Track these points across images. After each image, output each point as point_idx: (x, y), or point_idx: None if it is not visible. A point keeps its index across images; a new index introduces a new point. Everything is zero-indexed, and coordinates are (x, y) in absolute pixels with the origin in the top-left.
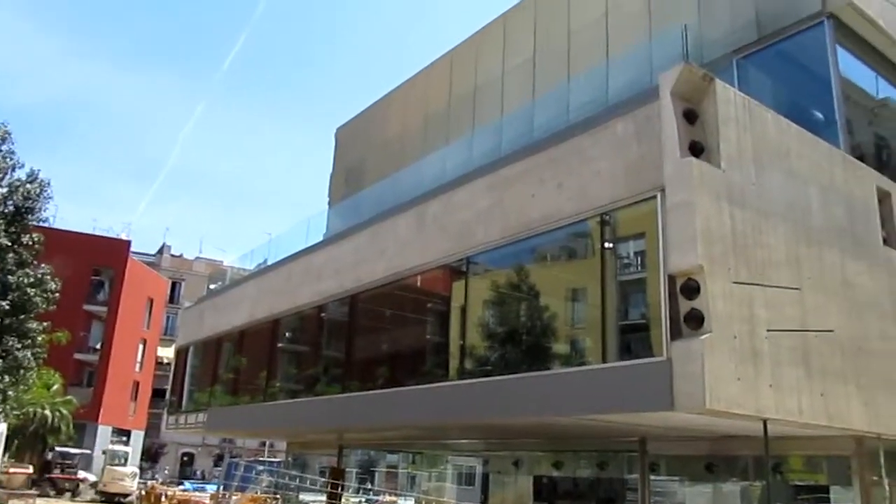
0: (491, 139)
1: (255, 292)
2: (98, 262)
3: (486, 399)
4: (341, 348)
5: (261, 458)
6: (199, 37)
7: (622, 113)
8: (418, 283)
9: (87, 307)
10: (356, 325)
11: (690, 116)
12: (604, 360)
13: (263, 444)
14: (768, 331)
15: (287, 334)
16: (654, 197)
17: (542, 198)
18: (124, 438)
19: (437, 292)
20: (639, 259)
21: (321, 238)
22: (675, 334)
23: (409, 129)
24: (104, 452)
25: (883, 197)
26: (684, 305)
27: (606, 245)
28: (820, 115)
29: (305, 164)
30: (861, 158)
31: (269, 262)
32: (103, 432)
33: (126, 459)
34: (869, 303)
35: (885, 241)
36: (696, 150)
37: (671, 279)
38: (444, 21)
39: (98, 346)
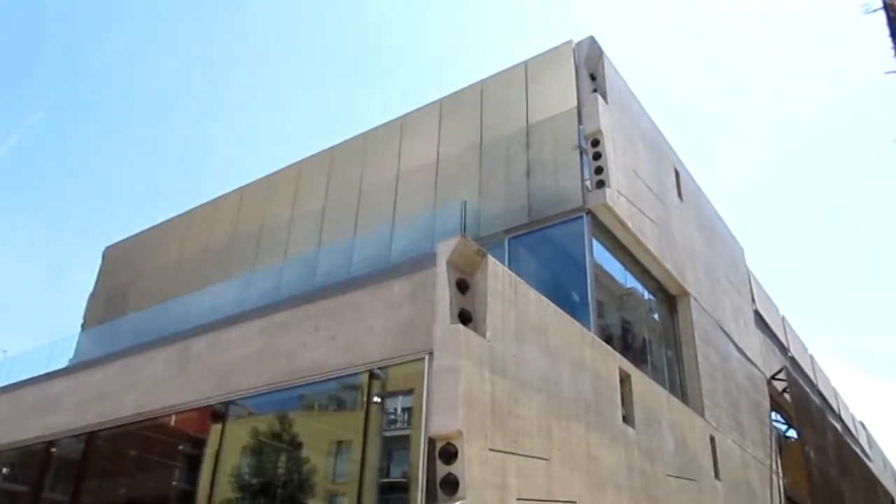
0: (271, 281)
1: None
2: None
3: None
4: (69, 491)
5: None
6: None
7: (400, 274)
8: (172, 424)
9: None
10: (91, 466)
11: (462, 286)
12: None
13: None
14: (518, 500)
15: (4, 471)
16: (423, 359)
17: (314, 347)
18: None
19: (193, 435)
20: (406, 416)
21: (66, 364)
22: (431, 499)
23: (186, 259)
24: None
25: (624, 377)
26: (441, 469)
27: (375, 399)
28: (576, 297)
29: (62, 281)
30: (609, 340)
31: None
32: None
33: None
34: (608, 476)
35: (624, 419)
36: (465, 318)
37: (431, 441)
38: (231, 157)
39: None
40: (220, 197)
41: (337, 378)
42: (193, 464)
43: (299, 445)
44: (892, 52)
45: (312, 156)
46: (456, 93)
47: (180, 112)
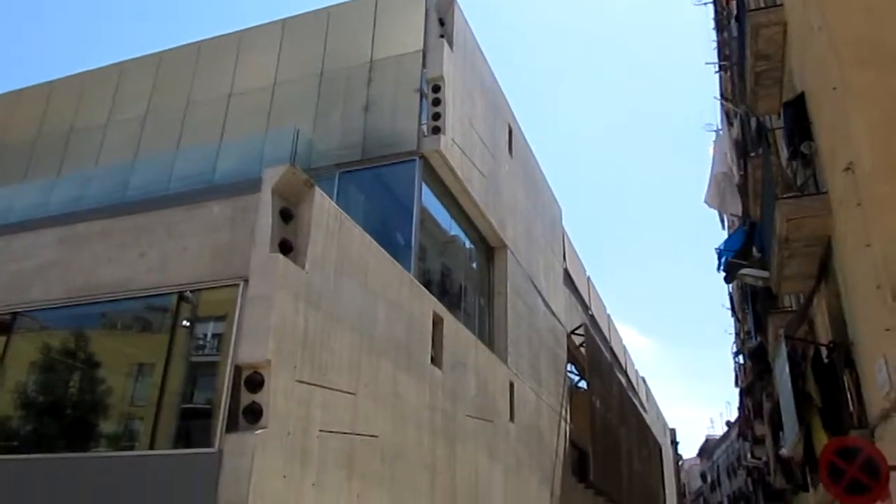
0: (77, 188)
1: None
2: None
3: (8, 483)
4: None
5: None
6: None
7: (222, 196)
8: None
9: None
10: None
11: (286, 215)
12: (152, 447)
13: None
14: (320, 431)
15: None
16: (238, 285)
17: (119, 263)
18: None
19: None
20: (216, 342)
21: None
22: (232, 427)
23: None
24: None
25: (437, 321)
26: (246, 398)
27: (183, 323)
28: (400, 239)
29: None
30: (428, 284)
31: None
32: None
33: None
34: (411, 414)
35: (433, 361)
36: (285, 248)
37: (238, 369)
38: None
39: None
40: (23, 88)
41: (143, 297)
42: None
43: (96, 365)
44: (714, 44)
45: (137, 58)
46: (300, 15)
47: None
